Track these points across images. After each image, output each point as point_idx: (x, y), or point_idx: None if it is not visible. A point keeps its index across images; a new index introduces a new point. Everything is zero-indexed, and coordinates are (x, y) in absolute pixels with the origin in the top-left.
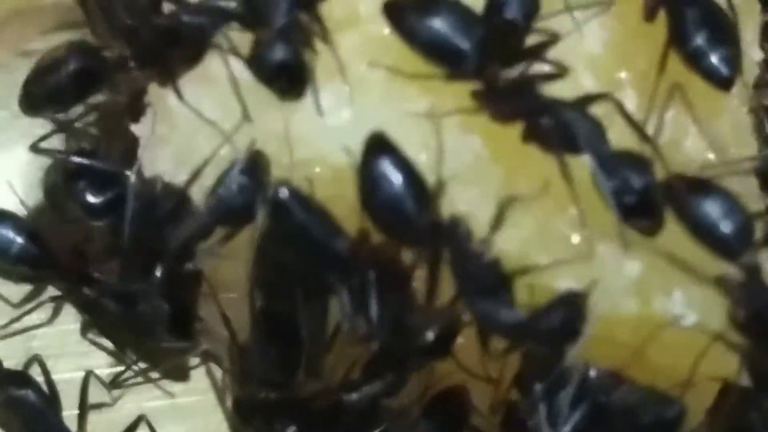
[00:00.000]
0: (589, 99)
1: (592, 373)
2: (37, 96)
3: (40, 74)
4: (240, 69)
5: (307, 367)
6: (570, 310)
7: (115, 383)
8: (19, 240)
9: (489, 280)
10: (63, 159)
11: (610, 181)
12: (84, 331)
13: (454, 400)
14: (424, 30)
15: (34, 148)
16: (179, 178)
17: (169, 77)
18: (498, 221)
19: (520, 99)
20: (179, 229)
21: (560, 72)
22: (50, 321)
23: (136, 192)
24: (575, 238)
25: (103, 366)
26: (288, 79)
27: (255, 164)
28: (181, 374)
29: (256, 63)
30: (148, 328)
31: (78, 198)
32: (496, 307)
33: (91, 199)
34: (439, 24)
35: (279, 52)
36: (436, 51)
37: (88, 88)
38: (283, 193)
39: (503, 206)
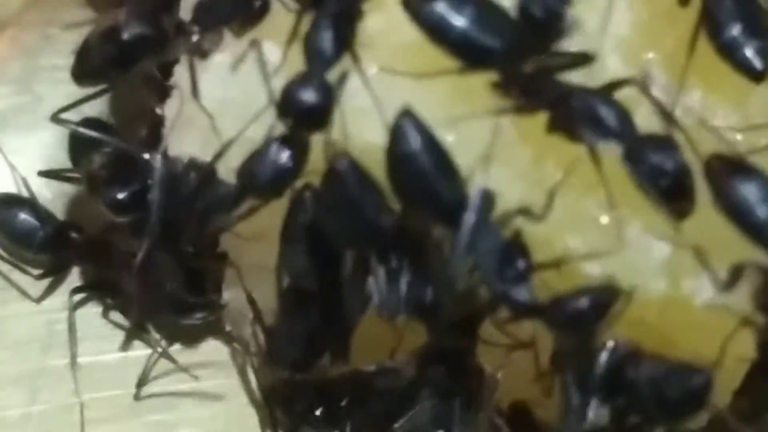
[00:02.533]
0: (614, 84)
1: (612, 345)
2: (95, 62)
3: (97, 39)
4: (268, 50)
5: (334, 350)
6: (595, 301)
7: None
8: (41, 227)
9: (508, 255)
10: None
11: (641, 165)
12: (105, 313)
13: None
14: (449, 25)
15: (55, 119)
16: (205, 160)
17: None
18: (547, 208)
19: (543, 88)
20: (206, 195)
21: (585, 59)
22: (75, 308)
23: (162, 175)
24: (604, 219)
25: (126, 349)
26: (311, 121)
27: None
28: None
29: (285, 96)
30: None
31: (102, 195)
32: (515, 284)
33: (115, 195)
34: (464, 20)
35: (311, 96)
36: (462, 47)
37: (146, 54)
38: (342, 164)
39: (552, 194)
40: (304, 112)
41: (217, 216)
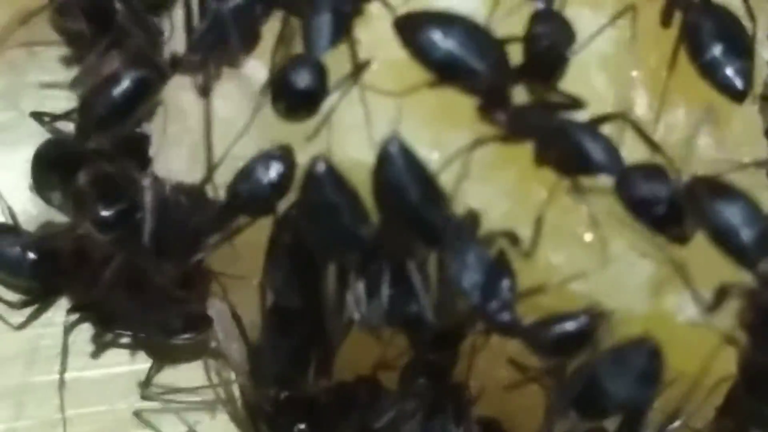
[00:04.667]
0: (602, 119)
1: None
2: (100, 114)
3: (98, 92)
4: (252, 66)
5: (317, 366)
6: (579, 327)
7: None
8: (29, 254)
9: (492, 275)
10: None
11: (633, 196)
12: (96, 339)
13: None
14: (437, 48)
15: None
16: (193, 177)
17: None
18: (535, 238)
19: (531, 121)
20: (196, 215)
21: (575, 104)
22: (70, 329)
23: (153, 197)
24: (588, 237)
25: (112, 365)
26: (303, 106)
27: (285, 156)
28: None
29: (278, 81)
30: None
31: (88, 212)
32: (498, 305)
33: (102, 213)
34: (453, 43)
35: (306, 80)
36: (449, 70)
37: (149, 95)
38: (320, 167)
39: (539, 223)
40: (296, 95)
41: (208, 235)
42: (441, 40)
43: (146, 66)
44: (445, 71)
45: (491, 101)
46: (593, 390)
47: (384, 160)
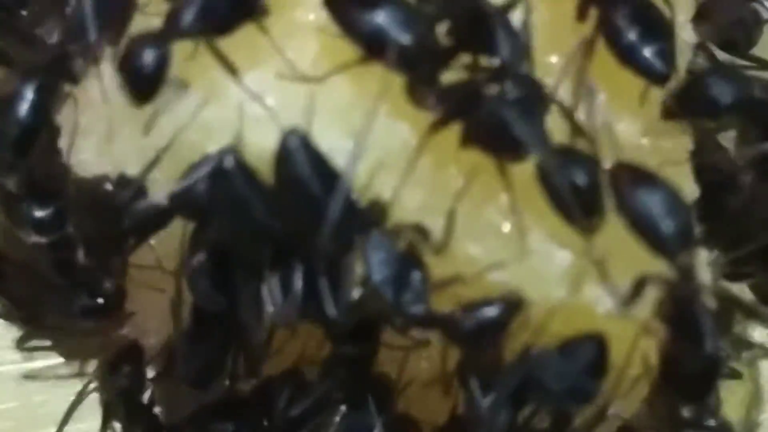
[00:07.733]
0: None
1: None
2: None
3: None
4: None
5: (246, 366)
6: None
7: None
8: None
9: (399, 266)
10: None
11: (559, 180)
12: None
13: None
14: (365, 23)
15: None
16: (102, 168)
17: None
18: (448, 229)
19: (458, 99)
20: (136, 209)
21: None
22: None
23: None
24: (505, 227)
25: (27, 360)
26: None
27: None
28: None
29: (125, 61)
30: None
31: (23, 215)
32: (407, 296)
33: (37, 213)
34: (380, 17)
35: (147, 59)
36: (375, 44)
37: (52, 99)
38: (228, 161)
39: (452, 215)
40: (134, 74)
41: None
42: (370, 15)
43: (39, 75)
44: (373, 45)
45: (419, 80)
46: (533, 385)
47: (284, 154)
